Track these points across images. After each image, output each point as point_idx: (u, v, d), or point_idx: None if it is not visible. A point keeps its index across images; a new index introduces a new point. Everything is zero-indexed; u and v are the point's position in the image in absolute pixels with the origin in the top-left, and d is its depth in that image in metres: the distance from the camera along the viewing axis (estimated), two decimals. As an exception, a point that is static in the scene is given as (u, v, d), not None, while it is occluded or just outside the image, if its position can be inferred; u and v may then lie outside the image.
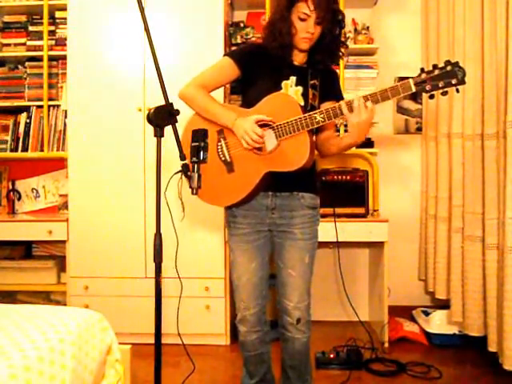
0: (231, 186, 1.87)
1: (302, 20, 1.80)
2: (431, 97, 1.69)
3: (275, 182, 1.85)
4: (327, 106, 1.86)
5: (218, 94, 2.79)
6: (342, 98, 1.96)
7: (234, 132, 1.82)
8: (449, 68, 1.63)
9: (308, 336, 1.97)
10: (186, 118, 1.93)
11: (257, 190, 1.86)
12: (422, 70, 1.66)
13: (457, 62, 1.64)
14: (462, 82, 1.63)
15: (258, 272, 1.95)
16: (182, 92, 1.91)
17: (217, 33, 2.92)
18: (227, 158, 1.87)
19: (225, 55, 1.97)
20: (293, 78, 1.89)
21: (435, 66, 1.65)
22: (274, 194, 1.90)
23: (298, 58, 1.93)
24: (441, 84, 1.64)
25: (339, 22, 1.85)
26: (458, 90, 1.68)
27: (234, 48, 3.13)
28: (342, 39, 1.90)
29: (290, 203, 1.91)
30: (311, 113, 1.76)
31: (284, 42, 1.84)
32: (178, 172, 1.72)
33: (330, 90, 1.96)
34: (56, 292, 3.23)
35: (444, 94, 1.67)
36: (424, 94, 1.71)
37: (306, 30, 1.81)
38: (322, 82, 1.93)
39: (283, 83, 1.89)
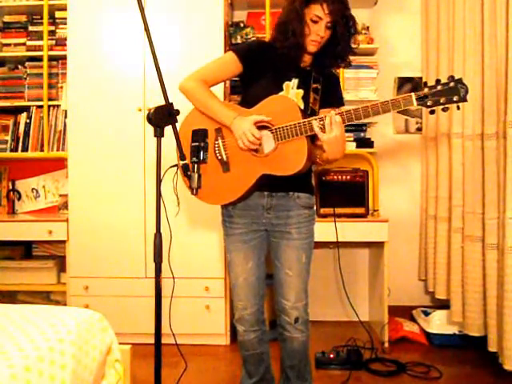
0: (226, 185, 1.86)
1: (314, 22, 1.79)
2: (432, 112, 1.69)
3: (271, 183, 1.84)
4: (324, 113, 1.85)
5: (218, 94, 2.79)
6: (342, 105, 1.95)
7: (232, 131, 1.82)
8: (452, 84, 1.63)
9: (307, 335, 1.97)
10: (185, 116, 1.92)
11: (251, 190, 1.86)
12: (425, 84, 1.66)
13: (460, 79, 1.64)
14: (463, 99, 1.63)
15: (254, 272, 1.95)
16: (182, 85, 1.89)
17: (217, 33, 2.92)
18: (224, 157, 1.87)
19: (229, 50, 1.95)
20: (295, 81, 1.88)
21: (438, 82, 1.65)
22: (270, 194, 1.90)
23: (305, 60, 1.92)
24: (442, 100, 1.64)
25: (351, 28, 1.83)
26: (458, 107, 1.67)
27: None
28: (353, 45, 1.88)
29: (285, 203, 1.90)
30: (311, 118, 1.75)
31: (297, 43, 1.82)
32: (172, 166, 1.72)
33: (331, 95, 1.95)
34: (56, 292, 3.23)
35: (445, 110, 1.67)
36: (425, 109, 1.70)
37: (316, 32, 1.80)
38: (324, 87, 1.92)
39: (285, 84, 1.88)
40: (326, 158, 1.78)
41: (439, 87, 1.64)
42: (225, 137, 1.87)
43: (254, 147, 1.79)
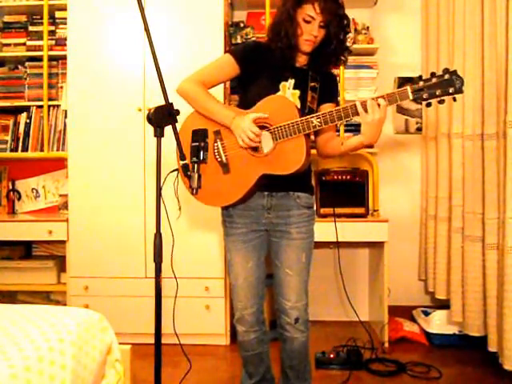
0: (226, 187, 1.87)
1: (307, 22, 1.80)
2: (428, 105, 1.69)
3: (271, 183, 1.85)
4: (325, 108, 1.86)
5: (218, 94, 2.79)
6: (338, 104, 1.96)
7: (232, 130, 1.82)
8: (446, 76, 1.63)
9: (307, 335, 1.97)
10: (185, 117, 1.93)
11: (252, 191, 1.87)
12: (420, 77, 1.66)
13: (455, 71, 1.64)
14: (459, 91, 1.63)
15: (254, 272, 1.95)
16: (180, 87, 1.90)
17: (217, 33, 2.92)
18: (223, 159, 1.87)
19: (226, 52, 1.96)
20: (291, 81, 1.89)
21: (433, 74, 1.65)
22: (270, 193, 1.90)
23: (301, 59, 1.93)
24: (438, 92, 1.64)
25: (344, 27, 1.84)
26: (455, 99, 1.68)
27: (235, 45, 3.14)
28: (347, 44, 1.89)
29: (285, 203, 1.91)
30: (308, 117, 1.75)
31: (290, 43, 1.83)
32: (173, 171, 1.72)
33: (329, 92, 1.96)
34: (56, 292, 3.23)
35: (441, 102, 1.67)
36: (424, 108, 1.70)
37: (309, 32, 1.81)
38: (322, 85, 1.92)
39: (281, 84, 1.88)
40: (361, 142, 1.77)
41: (434, 80, 1.64)
42: (223, 138, 1.87)
43: (254, 145, 1.80)
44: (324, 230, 2.68)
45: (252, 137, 1.77)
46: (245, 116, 1.80)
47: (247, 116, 1.79)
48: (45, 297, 3.27)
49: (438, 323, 2.98)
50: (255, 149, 1.83)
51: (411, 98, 1.66)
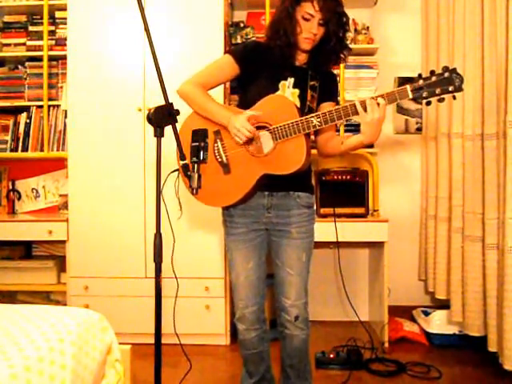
0: (227, 187, 1.87)
1: (306, 20, 1.80)
2: (428, 103, 1.69)
3: (271, 182, 1.85)
4: (325, 107, 1.86)
5: (218, 94, 2.80)
6: (337, 103, 1.96)
7: (229, 130, 1.82)
8: (446, 75, 1.63)
9: (307, 333, 1.97)
10: (185, 117, 1.93)
11: (253, 191, 1.87)
12: (420, 76, 1.66)
13: (454, 69, 1.64)
14: (459, 89, 1.63)
15: (255, 271, 1.96)
16: (180, 89, 1.91)
17: (217, 33, 2.92)
18: (224, 159, 1.87)
19: (226, 52, 1.96)
20: (290, 80, 1.89)
21: (433, 73, 1.65)
22: (270, 193, 1.90)
23: (300, 58, 1.93)
24: (438, 91, 1.64)
25: (343, 24, 1.84)
26: (454, 97, 1.67)
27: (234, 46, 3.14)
28: (347, 42, 1.90)
29: (286, 202, 1.91)
30: (308, 116, 1.75)
31: (289, 41, 1.83)
32: (173, 171, 1.73)
33: (329, 91, 1.96)
34: (56, 292, 3.23)
35: (441, 100, 1.67)
36: (424, 108, 1.70)
37: (309, 30, 1.81)
38: (321, 84, 1.93)
39: (281, 83, 1.89)
40: (360, 141, 1.77)
41: (434, 78, 1.64)
42: (224, 138, 1.87)
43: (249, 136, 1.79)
44: (324, 230, 2.68)
45: (247, 134, 1.77)
46: (240, 115, 1.80)
47: (242, 114, 1.79)
48: (45, 297, 3.27)
49: (438, 323, 2.98)
50: (251, 141, 1.81)
51: (411, 96, 1.66)
